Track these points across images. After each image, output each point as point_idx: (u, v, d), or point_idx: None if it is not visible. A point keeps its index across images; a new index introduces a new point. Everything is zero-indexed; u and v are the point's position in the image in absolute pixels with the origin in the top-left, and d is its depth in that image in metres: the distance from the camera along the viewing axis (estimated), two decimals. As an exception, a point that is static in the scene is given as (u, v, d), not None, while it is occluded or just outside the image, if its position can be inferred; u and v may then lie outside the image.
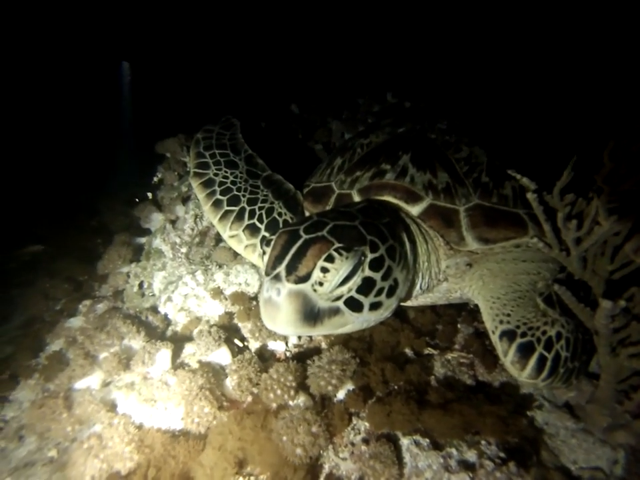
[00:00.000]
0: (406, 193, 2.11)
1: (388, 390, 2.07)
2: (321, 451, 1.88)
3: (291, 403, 2.02)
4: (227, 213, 2.48)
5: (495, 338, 1.92)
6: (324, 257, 1.43)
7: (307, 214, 2.59)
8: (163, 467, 1.89)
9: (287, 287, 1.43)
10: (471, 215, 2.05)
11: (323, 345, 2.42)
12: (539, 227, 1.91)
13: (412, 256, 1.89)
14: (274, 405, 1.99)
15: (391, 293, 1.67)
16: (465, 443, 1.73)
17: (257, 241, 2.38)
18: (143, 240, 2.99)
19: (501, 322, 1.92)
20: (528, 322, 1.83)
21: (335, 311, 1.52)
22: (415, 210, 2.08)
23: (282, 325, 1.48)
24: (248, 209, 2.48)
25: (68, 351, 2.65)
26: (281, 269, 1.46)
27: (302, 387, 2.07)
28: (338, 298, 1.51)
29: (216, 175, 2.64)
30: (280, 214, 2.49)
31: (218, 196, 2.56)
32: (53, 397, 2.12)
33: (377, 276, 1.57)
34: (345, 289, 1.50)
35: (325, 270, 1.44)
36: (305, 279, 1.43)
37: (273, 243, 1.60)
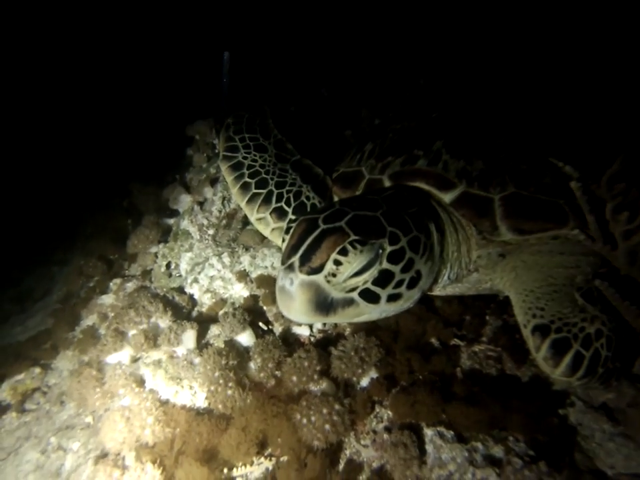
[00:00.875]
0: (438, 179, 2.04)
1: (412, 380, 2.04)
2: (342, 437, 1.87)
3: (313, 388, 2.02)
4: (254, 195, 2.48)
5: (526, 332, 1.85)
6: (338, 249, 1.42)
7: (336, 199, 2.55)
8: (188, 441, 1.94)
9: (300, 277, 1.43)
10: (506, 204, 1.96)
11: (348, 331, 2.39)
12: (580, 218, 1.81)
13: (439, 247, 1.83)
14: (296, 390, 2.00)
15: (412, 284, 1.63)
16: (491, 438, 1.68)
17: (284, 224, 2.37)
18: (171, 221, 3.04)
19: (534, 316, 1.84)
20: (564, 317, 1.75)
21: (350, 302, 1.50)
22: (447, 197, 2.01)
23: (296, 313, 1.50)
24: (276, 192, 2.47)
25: (100, 326, 2.75)
26: (295, 259, 1.46)
27: (325, 372, 2.07)
28: (353, 289, 1.49)
29: (245, 158, 2.65)
30: (308, 197, 2.46)
31: (246, 179, 2.56)
32: (87, 369, 2.20)
33: (396, 268, 1.54)
34: (360, 280, 1.48)
35: (338, 262, 1.43)
36: (317, 270, 1.42)
37: (292, 231, 1.59)
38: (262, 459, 1.89)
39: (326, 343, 2.31)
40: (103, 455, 2.04)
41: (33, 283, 4.44)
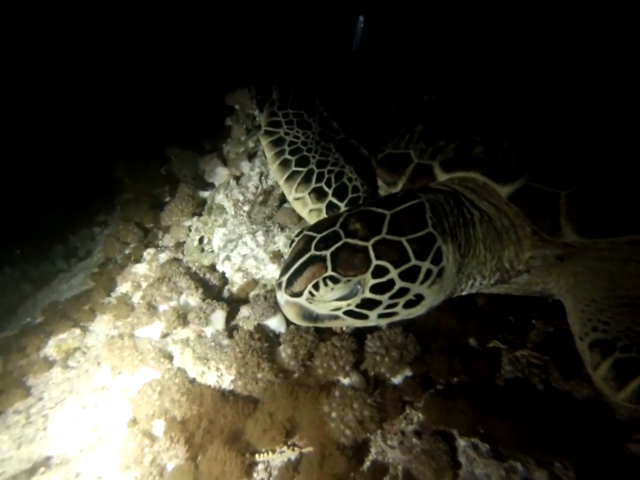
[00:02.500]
0: (497, 170, 1.84)
1: (449, 383, 1.93)
2: (370, 435, 1.80)
3: (343, 380, 1.94)
4: (294, 173, 2.35)
5: (582, 346, 1.67)
6: (312, 283, 1.46)
7: (380, 182, 2.40)
8: (214, 421, 1.92)
9: (284, 297, 1.54)
10: (575, 202, 1.73)
11: (384, 324, 2.28)
12: None
13: (455, 267, 1.67)
14: (325, 381, 1.93)
15: (410, 305, 1.57)
16: (533, 460, 1.56)
17: (323, 206, 2.24)
18: (206, 194, 2.97)
19: (594, 329, 1.65)
20: (634, 336, 1.56)
21: (335, 317, 1.56)
22: (504, 191, 1.81)
23: (290, 319, 1.64)
24: (316, 171, 2.33)
25: (133, 294, 2.78)
26: (284, 279, 1.53)
27: (356, 365, 1.98)
28: (337, 309, 1.53)
29: (287, 134, 2.52)
30: (350, 179, 2.32)
31: (287, 155, 2.43)
32: (120, 338, 2.22)
33: (383, 297, 1.51)
34: (342, 304, 1.51)
35: (312, 294, 1.49)
36: (298, 295, 1.50)
37: (294, 243, 1.64)
38: (285, 448, 1.86)
39: (359, 333, 2.21)
40: (134, 422, 2.08)
41: (77, 242, 4.60)
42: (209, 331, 2.12)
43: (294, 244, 1.65)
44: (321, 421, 1.79)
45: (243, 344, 1.93)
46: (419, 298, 1.59)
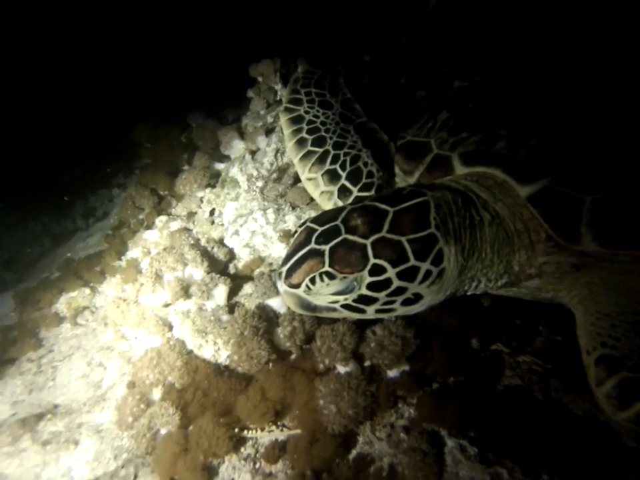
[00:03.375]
0: (518, 168, 1.75)
1: (446, 382, 1.90)
2: (360, 425, 1.80)
3: (339, 367, 1.93)
4: (309, 153, 2.30)
5: (588, 360, 1.61)
6: (309, 277, 1.48)
7: (397, 170, 2.32)
8: (208, 393, 1.96)
9: (284, 287, 1.57)
10: (599, 209, 1.63)
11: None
12: None
13: (457, 269, 1.63)
14: (321, 366, 1.92)
15: (409, 303, 1.58)
16: (520, 469, 1.53)
17: (335, 188, 2.19)
18: (222, 166, 2.94)
19: (603, 344, 1.58)
20: None
21: (333, 309, 1.58)
22: (524, 191, 1.72)
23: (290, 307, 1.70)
24: (332, 152, 2.28)
25: (142, 260, 2.82)
26: (284, 270, 1.56)
27: (354, 353, 1.97)
28: (335, 302, 1.55)
29: (307, 112, 2.47)
30: (366, 163, 2.25)
31: (304, 134, 2.38)
32: (125, 301, 2.26)
33: (380, 294, 1.52)
34: (339, 298, 1.53)
35: (309, 287, 1.51)
36: (295, 286, 1.52)
37: (297, 234, 1.66)
38: (274, 428, 1.88)
39: (361, 321, 2.18)
40: (133, 385, 2.14)
41: (97, 202, 4.69)
42: (210, 305, 2.14)
43: (296, 234, 1.66)
44: (312, 405, 1.79)
45: (241, 321, 1.94)
46: (417, 297, 1.57)
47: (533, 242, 1.75)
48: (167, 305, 2.20)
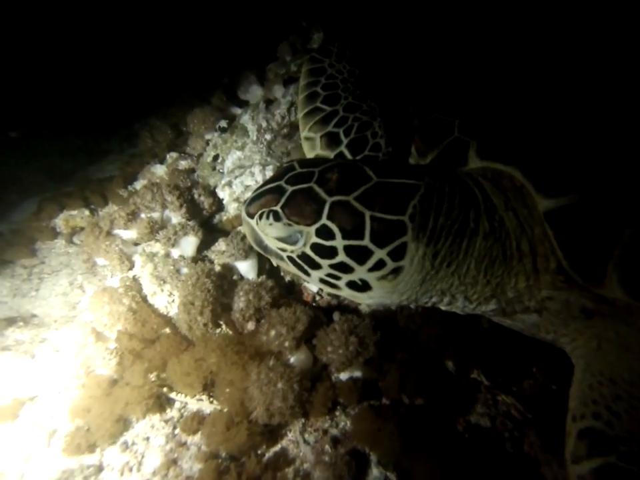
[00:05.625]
0: (543, 173, 1.37)
1: (397, 401, 1.65)
2: (288, 422, 1.63)
3: (287, 353, 1.74)
4: (316, 109, 2.02)
5: (571, 427, 1.28)
6: (259, 212, 1.36)
7: (413, 149, 1.98)
8: (148, 346, 1.87)
9: (243, 214, 1.46)
10: (638, 246, 1.25)
11: (364, 309, 2.00)
12: None
13: (421, 275, 1.34)
14: (267, 348, 1.74)
15: (353, 287, 1.36)
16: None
17: (332, 155, 1.90)
18: (239, 110, 2.72)
19: (596, 416, 1.25)
20: None
21: (281, 258, 1.43)
22: (545, 204, 1.35)
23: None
24: (341, 114, 1.97)
25: (144, 193, 2.74)
26: (248, 197, 1.45)
27: (308, 342, 1.77)
28: (283, 250, 1.39)
29: (331, 65, 2.17)
30: (375, 134, 1.93)
31: (318, 88, 2.09)
32: (101, 231, 2.20)
33: (322, 262, 1.33)
34: (286, 247, 1.37)
35: (257, 222, 1.40)
36: (250, 216, 1.41)
37: (280, 167, 1.55)
38: (204, 397, 1.76)
39: (329, 309, 1.97)
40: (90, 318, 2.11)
41: (139, 129, 4.70)
42: (175, 253, 2.00)
43: (279, 168, 1.56)
44: (242, 386, 1.64)
45: (195, 279, 1.79)
46: (365, 285, 1.33)
47: (538, 270, 1.40)
48: (135, 244, 2.10)
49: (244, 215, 1.44)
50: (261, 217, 1.34)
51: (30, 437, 1.62)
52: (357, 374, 1.70)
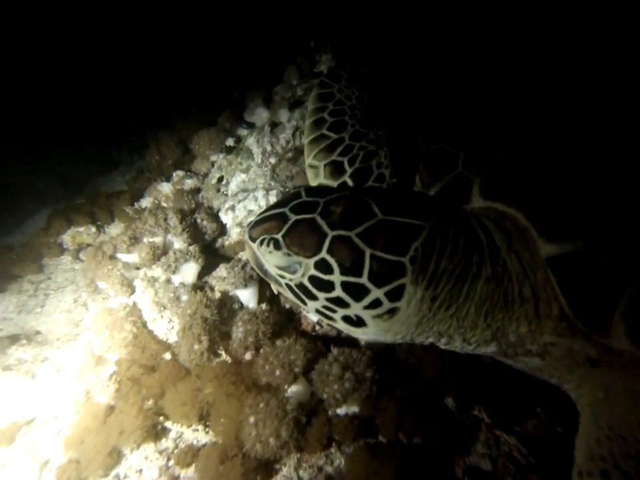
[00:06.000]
0: (548, 216, 1.34)
1: (395, 440, 1.62)
2: (281, 457, 1.60)
3: (284, 386, 1.72)
4: (322, 136, 1.99)
5: None
6: (261, 238, 1.35)
7: (417, 180, 1.95)
8: (148, 372, 1.87)
9: (246, 236, 1.45)
10: None
11: (363, 341, 1.96)
12: None
13: (418, 317, 1.32)
14: (265, 380, 1.71)
15: (348, 322, 1.34)
16: None
17: (335, 184, 1.88)
18: (245, 132, 2.72)
19: (604, 474, 1.20)
20: None
21: (279, 284, 1.43)
22: (547, 249, 1.32)
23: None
24: (346, 142, 1.95)
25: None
26: (253, 220, 1.45)
27: (306, 374, 1.74)
28: (281, 276, 1.39)
29: (340, 91, 2.15)
30: (379, 164, 1.90)
31: (325, 114, 2.07)
32: (103, 255, 2.21)
33: (319, 294, 1.32)
34: (285, 275, 1.36)
35: (258, 246, 1.39)
36: (252, 240, 1.41)
37: (288, 192, 1.60)
38: (200, 427, 1.74)
39: (328, 340, 1.95)
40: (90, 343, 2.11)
41: (145, 140, 4.74)
42: (176, 280, 2.00)
43: (287, 192, 1.59)
44: (238, 419, 1.62)
45: (194, 308, 1.78)
46: (360, 321, 1.32)
47: (540, 315, 1.36)
48: (136, 268, 2.11)
49: (246, 237, 1.44)
50: (262, 242, 1.35)
51: (22, 466, 1.62)
52: (354, 410, 1.67)
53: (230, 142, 2.72)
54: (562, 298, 1.29)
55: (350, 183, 1.87)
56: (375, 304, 1.28)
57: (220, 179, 2.50)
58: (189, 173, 2.81)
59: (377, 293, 1.26)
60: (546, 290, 1.34)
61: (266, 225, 1.38)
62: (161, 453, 1.70)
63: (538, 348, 1.43)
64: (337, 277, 1.27)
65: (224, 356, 1.84)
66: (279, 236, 1.32)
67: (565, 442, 1.67)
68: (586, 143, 1.54)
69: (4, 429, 1.77)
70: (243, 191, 2.31)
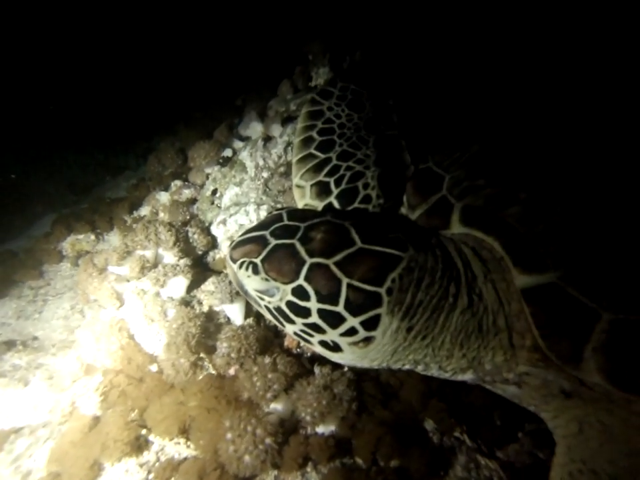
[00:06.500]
0: (524, 247, 1.33)
1: (371, 462, 1.62)
2: (260, 472, 1.62)
3: (265, 403, 1.74)
4: (309, 156, 2.01)
5: None
6: (240, 260, 1.36)
7: (405, 199, 1.95)
8: (134, 383, 1.90)
9: (227, 256, 1.46)
10: (619, 333, 1.19)
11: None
12: None
13: (393, 346, 1.34)
14: (246, 396, 1.74)
15: (325, 346, 1.35)
16: None
17: (321, 205, 1.88)
18: (240, 145, 2.75)
19: None
20: None
21: (259, 305, 1.44)
22: (522, 280, 1.31)
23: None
24: (333, 162, 1.96)
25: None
26: (235, 240, 1.45)
27: (286, 391, 1.76)
28: (260, 297, 1.39)
29: (330, 109, 2.16)
30: (366, 185, 1.90)
31: (314, 133, 2.09)
32: (96, 267, 2.25)
33: (297, 319, 1.33)
34: (264, 297, 1.37)
35: (237, 269, 1.40)
36: (233, 261, 1.40)
37: (272, 213, 1.54)
38: (182, 440, 1.77)
39: (313, 358, 1.96)
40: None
41: (158, 145, 4.81)
42: (164, 294, 2.03)
43: (270, 214, 1.57)
44: (217, 433, 1.65)
45: (180, 322, 1.81)
46: (337, 347, 1.33)
47: (515, 346, 1.35)
48: (127, 280, 2.14)
49: (228, 258, 1.45)
50: (241, 265, 1.35)
51: (4, 478, 1.65)
52: (331, 429, 1.68)
53: (228, 152, 2.75)
54: (535, 330, 1.29)
55: (336, 204, 1.88)
56: (351, 332, 1.29)
57: (214, 192, 2.53)
58: (186, 183, 2.85)
59: (352, 321, 1.27)
60: (520, 321, 1.33)
61: (246, 247, 1.39)
62: (141, 466, 1.73)
63: (515, 377, 1.42)
64: (313, 304, 1.28)
65: (210, 369, 1.86)
66: (257, 260, 1.33)
67: (545, 469, 1.66)
68: (572, 169, 1.52)
69: (-8, 437, 1.82)
70: (235, 204, 2.34)
